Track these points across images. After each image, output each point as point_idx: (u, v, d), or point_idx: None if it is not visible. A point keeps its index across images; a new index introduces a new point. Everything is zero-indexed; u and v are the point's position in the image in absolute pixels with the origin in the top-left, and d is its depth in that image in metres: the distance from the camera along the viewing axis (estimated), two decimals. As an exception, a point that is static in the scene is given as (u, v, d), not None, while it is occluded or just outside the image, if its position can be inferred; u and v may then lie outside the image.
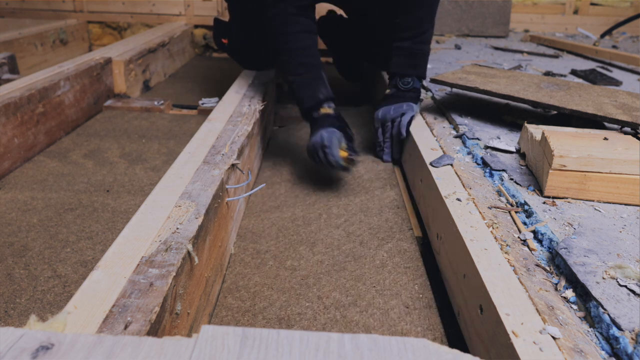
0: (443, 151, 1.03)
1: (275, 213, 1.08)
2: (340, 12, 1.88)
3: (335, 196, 1.14)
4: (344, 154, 1.10)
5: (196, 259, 0.65)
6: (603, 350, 0.51)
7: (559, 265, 0.63)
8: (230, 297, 0.82)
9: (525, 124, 0.97)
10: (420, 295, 0.81)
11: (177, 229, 0.66)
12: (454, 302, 0.75)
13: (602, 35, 2.78)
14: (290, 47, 1.22)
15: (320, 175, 1.25)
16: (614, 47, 2.39)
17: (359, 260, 0.90)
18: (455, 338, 0.72)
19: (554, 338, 0.50)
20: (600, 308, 0.54)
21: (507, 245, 0.68)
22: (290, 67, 1.22)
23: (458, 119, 1.18)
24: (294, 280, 0.86)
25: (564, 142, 0.82)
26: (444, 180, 0.89)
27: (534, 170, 0.89)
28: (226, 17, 1.81)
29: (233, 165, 0.91)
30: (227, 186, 0.86)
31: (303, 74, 1.21)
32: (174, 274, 0.57)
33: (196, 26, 2.81)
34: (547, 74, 1.73)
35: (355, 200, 1.11)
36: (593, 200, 0.80)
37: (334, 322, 0.76)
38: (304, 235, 0.99)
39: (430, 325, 0.75)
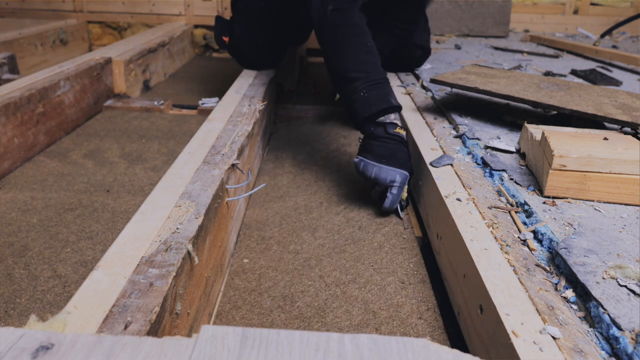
0: (443, 151, 1.03)
1: (279, 203, 1.13)
2: None
3: (335, 186, 1.18)
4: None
5: (196, 259, 0.65)
6: (603, 350, 0.51)
7: (559, 265, 0.63)
8: (238, 279, 0.86)
9: (525, 124, 0.97)
10: (415, 272, 0.86)
11: (177, 229, 0.66)
12: (454, 302, 0.75)
13: (602, 35, 2.78)
14: (358, 40, 1.05)
15: (321, 166, 1.29)
16: (614, 47, 2.39)
17: (358, 242, 0.95)
18: (455, 338, 0.72)
19: (554, 338, 0.50)
20: (600, 308, 0.54)
21: (507, 245, 0.68)
22: (353, 65, 1.04)
23: (458, 119, 1.18)
24: (297, 262, 0.90)
25: (564, 142, 0.82)
26: (444, 180, 0.89)
27: (534, 170, 0.89)
28: (227, 17, 1.81)
29: (233, 165, 0.91)
30: (227, 186, 0.86)
31: (370, 73, 1.03)
32: (174, 274, 0.57)
33: (196, 26, 2.81)
34: (547, 74, 1.73)
35: (355, 189, 1.15)
36: (593, 200, 0.80)
37: (334, 297, 0.80)
38: (306, 222, 1.03)
39: (424, 297, 0.80)
